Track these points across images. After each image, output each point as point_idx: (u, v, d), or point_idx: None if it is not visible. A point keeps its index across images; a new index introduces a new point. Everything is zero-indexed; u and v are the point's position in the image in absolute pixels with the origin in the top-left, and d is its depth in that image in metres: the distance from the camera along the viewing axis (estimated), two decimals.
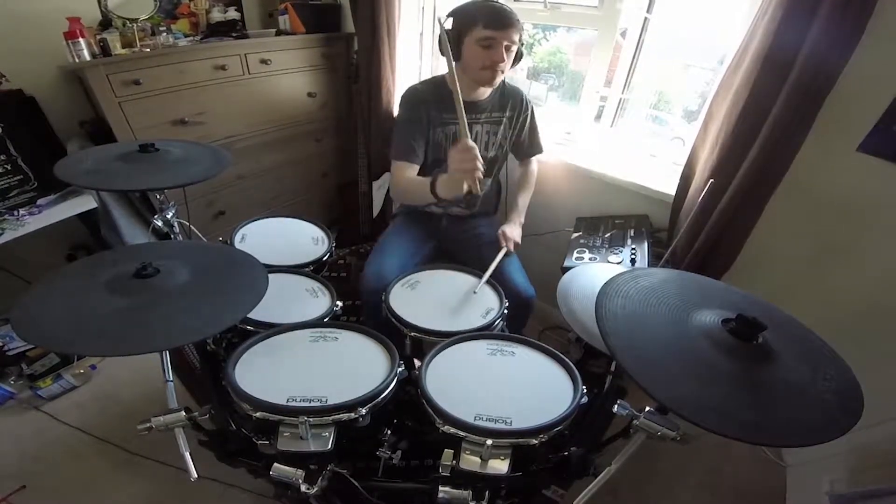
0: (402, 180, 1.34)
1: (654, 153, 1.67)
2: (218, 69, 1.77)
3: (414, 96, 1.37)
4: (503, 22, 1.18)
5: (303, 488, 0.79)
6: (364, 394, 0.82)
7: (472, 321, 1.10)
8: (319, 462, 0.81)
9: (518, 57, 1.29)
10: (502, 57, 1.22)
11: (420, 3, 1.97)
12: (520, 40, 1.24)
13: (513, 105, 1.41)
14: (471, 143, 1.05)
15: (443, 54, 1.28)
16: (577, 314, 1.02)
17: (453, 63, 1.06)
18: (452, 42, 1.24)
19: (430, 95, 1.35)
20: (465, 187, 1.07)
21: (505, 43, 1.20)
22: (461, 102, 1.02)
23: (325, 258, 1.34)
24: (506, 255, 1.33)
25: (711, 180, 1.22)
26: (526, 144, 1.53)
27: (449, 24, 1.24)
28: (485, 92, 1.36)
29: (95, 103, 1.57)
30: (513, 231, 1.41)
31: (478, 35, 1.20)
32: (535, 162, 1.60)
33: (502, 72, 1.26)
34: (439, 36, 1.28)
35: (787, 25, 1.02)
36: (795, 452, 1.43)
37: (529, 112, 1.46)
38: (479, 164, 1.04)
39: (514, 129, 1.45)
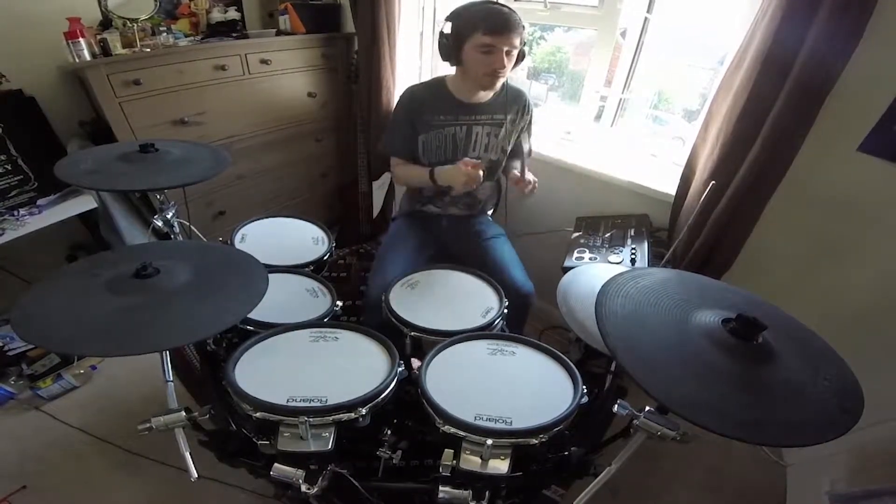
0: (402, 171, 1.46)
1: (655, 153, 1.67)
2: (218, 69, 1.77)
3: (409, 100, 1.37)
4: (504, 28, 1.17)
5: (303, 488, 0.79)
6: (364, 394, 0.82)
7: (472, 320, 1.10)
8: (319, 462, 0.81)
9: (520, 58, 1.28)
10: (503, 63, 1.20)
11: (420, 3, 1.97)
12: (521, 42, 1.23)
13: (516, 108, 1.40)
14: (480, 175, 1.21)
15: (443, 59, 1.28)
16: (576, 314, 1.02)
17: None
18: (452, 47, 1.23)
19: (426, 99, 1.35)
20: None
21: (505, 48, 1.19)
22: None
23: (325, 258, 1.34)
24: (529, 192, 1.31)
25: (713, 182, 1.22)
26: (517, 146, 1.50)
27: (448, 29, 1.23)
28: (486, 94, 1.35)
29: (95, 103, 1.57)
30: (527, 174, 1.31)
31: (478, 41, 1.18)
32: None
33: (503, 76, 1.26)
34: (438, 41, 1.27)
35: (787, 25, 1.02)
36: (795, 452, 1.43)
37: (530, 116, 1.45)
38: (480, 178, 1.22)
39: (516, 132, 1.44)
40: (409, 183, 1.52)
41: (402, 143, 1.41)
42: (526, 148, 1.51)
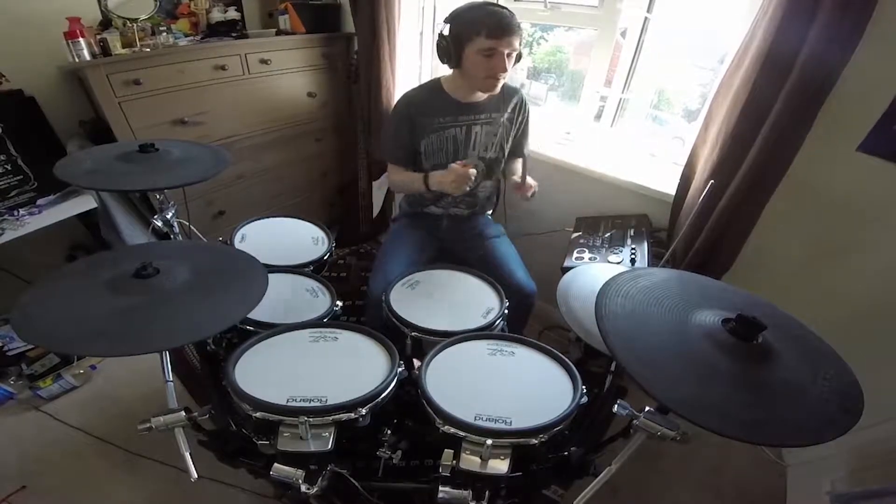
0: (398, 178, 1.44)
1: (654, 153, 1.67)
2: (218, 69, 1.77)
3: (406, 106, 1.36)
4: (506, 31, 1.16)
5: (303, 488, 0.79)
6: (364, 394, 0.82)
7: (473, 321, 1.10)
8: (319, 462, 0.81)
9: (518, 58, 1.27)
10: (505, 66, 1.20)
11: (420, 3, 1.97)
12: (520, 43, 1.22)
13: (513, 106, 1.40)
14: (472, 172, 1.20)
15: (442, 62, 1.27)
16: (577, 314, 1.02)
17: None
18: (452, 49, 1.23)
19: (424, 101, 1.34)
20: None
21: (507, 51, 1.19)
22: None
23: (325, 258, 1.34)
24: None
25: (712, 181, 1.22)
26: (515, 145, 1.50)
27: (447, 31, 1.22)
28: (483, 93, 1.35)
29: (95, 103, 1.57)
30: (528, 179, 1.35)
31: (480, 45, 1.18)
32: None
33: (504, 79, 1.26)
34: (437, 43, 1.26)
35: (787, 25, 1.02)
36: (795, 452, 1.43)
37: (527, 114, 1.45)
38: (471, 177, 1.20)
39: (514, 130, 1.44)
40: (407, 191, 1.52)
41: (399, 150, 1.40)
42: (525, 150, 1.51)
